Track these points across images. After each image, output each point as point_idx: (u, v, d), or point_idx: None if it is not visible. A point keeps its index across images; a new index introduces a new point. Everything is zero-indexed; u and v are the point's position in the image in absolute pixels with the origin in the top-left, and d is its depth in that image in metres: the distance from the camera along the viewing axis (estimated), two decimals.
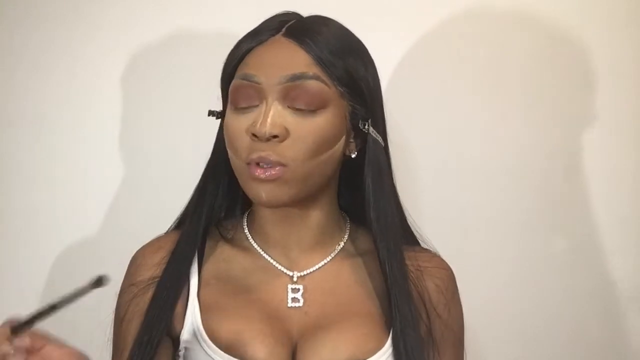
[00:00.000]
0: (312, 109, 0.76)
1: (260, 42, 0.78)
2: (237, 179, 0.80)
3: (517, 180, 1.14)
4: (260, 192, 0.76)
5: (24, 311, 0.97)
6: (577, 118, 1.14)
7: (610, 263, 1.15)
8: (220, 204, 0.85)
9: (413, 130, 1.08)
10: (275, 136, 0.74)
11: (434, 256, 0.87)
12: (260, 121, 0.74)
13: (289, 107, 0.75)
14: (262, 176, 0.75)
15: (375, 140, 0.81)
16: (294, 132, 0.75)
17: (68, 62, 1.06)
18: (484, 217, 1.14)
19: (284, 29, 0.78)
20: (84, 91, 1.06)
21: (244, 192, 0.81)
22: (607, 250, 1.15)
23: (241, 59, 0.78)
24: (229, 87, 0.79)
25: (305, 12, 0.83)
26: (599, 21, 1.12)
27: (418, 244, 0.88)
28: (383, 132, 0.83)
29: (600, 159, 1.14)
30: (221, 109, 0.83)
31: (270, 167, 0.75)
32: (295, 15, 0.82)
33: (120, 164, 1.08)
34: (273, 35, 0.78)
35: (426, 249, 0.88)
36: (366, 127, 0.80)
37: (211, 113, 0.83)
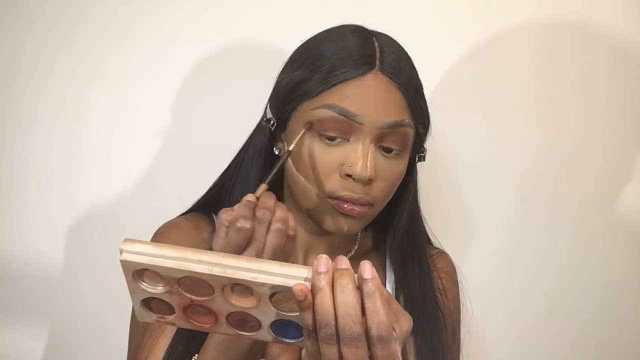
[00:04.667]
0: (399, 152, 0.78)
1: (357, 76, 0.75)
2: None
3: (519, 181, 1.15)
4: (344, 225, 0.78)
5: (29, 307, 1.06)
6: (579, 118, 1.14)
7: (611, 263, 1.16)
8: None
9: None
10: (370, 179, 0.76)
11: (443, 254, 0.93)
12: (360, 165, 0.74)
13: (379, 147, 0.77)
14: (351, 212, 0.76)
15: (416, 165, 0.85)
16: (382, 173, 0.77)
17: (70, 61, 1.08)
18: (484, 216, 1.15)
19: (377, 62, 0.76)
20: (86, 91, 1.08)
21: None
22: (608, 250, 1.15)
23: (330, 86, 0.75)
24: (299, 104, 0.78)
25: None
26: (597, 20, 1.12)
27: (430, 243, 0.93)
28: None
29: (601, 158, 1.15)
30: (272, 115, 0.82)
31: (360, 205, 0.77)
32: (370, 37, 0.79)
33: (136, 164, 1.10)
34: (369, 69, 0.76)
35: (436, 248, 0.93)
36: (418, 160, 0.84)
37: (266, 121, 0.82)
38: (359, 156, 0.75)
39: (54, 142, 1.08)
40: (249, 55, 1.08)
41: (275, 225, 0.66)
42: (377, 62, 0.76)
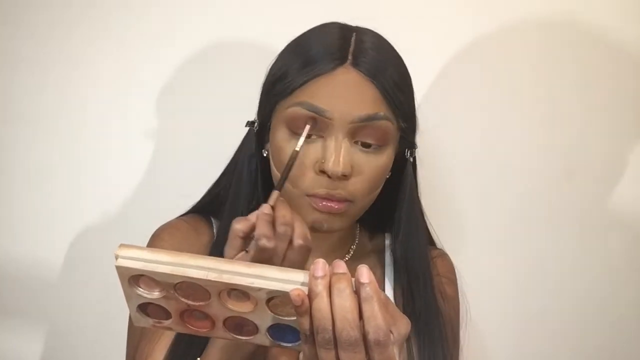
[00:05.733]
0: (378, 147, 0.76)
1: (327, 71, 0.74)
2: (264, 186, 0.82)
3: (518, 181, 1.14)
4: (323, 223, 0.77)
5: (28, 308, 1.06)
6: (578, 117, 1.13)
7: (611, 264, 1.15)
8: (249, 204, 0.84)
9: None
10: (344, 175, 0.74)
11: (444, 255, 0.92)
12: (332, 160, 0.73)
13: (355, 143, 0.75)
14: (329, 209, 0.75)
15: (411, 162, 0.83)
16: (359, 168, 0.76)
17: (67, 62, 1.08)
18: (484, 217, 1.14)
19: (349, 57, 0.75)
20: (86, 90, 1.08)
21: (265, 197, 0.82)
22: (608, 250, 1.15)
23: (303, 83, 0.75)
24: (276, 103, 0.78)
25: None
26: (598, 21, 1.12)
27: (433, 244, 0.92)
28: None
29: (601, 158, 1.14)
30: (256, 118, 0.82)
31: (337, 201, 0.75)
32: (348, 32, 0.78)
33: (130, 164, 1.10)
34: (340, 63, 0.74)
35: (437, 249, 0.93)
36: (409, 154, 0.82)
37: (249, 124, 0.83)
38: (332, 152, 0.73)
39: (53, 144, 1.08)
40: (250, 58, 1.07)
41: (298, 242, 0.66)
42: (350, 57, 0.75)
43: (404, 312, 0.80)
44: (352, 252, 0.88)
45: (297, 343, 0.59)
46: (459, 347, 0.89)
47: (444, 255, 0.92)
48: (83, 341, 1.09)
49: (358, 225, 0.90)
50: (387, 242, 0.90)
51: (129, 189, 1.09)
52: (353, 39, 0.77)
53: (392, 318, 0.55)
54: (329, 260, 0.83)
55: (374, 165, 0.77)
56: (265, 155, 0.82)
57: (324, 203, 0.75)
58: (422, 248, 0.86)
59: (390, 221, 0.87)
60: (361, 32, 0.79)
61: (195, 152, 1.08)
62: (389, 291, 0.86)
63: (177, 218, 0.88)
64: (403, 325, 0.56)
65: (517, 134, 1.13)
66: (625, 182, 1.14)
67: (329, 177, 0.74)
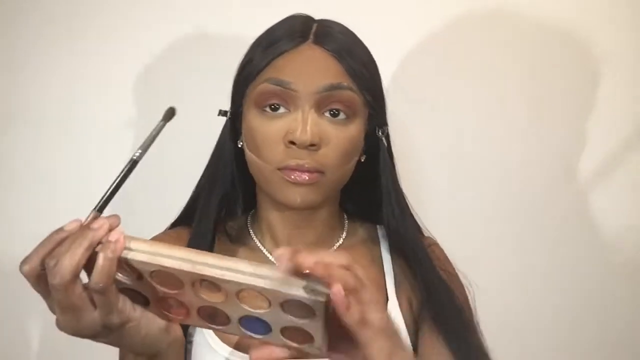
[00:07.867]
0: (346, 118, 0.78)
1: (290, 48, 0.78)
2: (243, 180, 0.85)
3: (518, 181, 1.15)
4: (296, 195, 0.77)
5: (29, 307, 1.06)
6: (578, 117, 1.14)
7: (610, 264, 1.15)
8: (225, 202, 0.87)
9: (414, 130, 1.10)
10: (313, 145, 0.76)
11: (435, 243, 0.92)
12: (299, 129, 0.75)
13: (323, 114, 0.77)
14: (300, 179, 0.76)
15: (385, 144, 0.85)
16: (329, 140, 0.77)
17: (71, 62, 1.10)
18: (483, 217, 1.14)
19: (311, 36, 0.79)
20: (88, 91, 1.10)
21: (244, 192, 0.86)
22: (608, 251, 1.14)
23: (268, 62, 0.78)
24: (246, 87, 0.80)
25: (313, 14, 0.84)
26: (599, 21, 1.13)
27: (422, 232, 0.91)
28: (387, 134, 0.86)
29: (601, 159, 1.14)
30: (229, 109, 0.85)
31: (308, 172, 0.76)
32: (310, 19, 0.82)
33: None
34: (302, 41, 0.78)
35: (429, 237, 0.92)
36: (381, 133, 0.84)
37: (222, 113, 0.85)
38: (299, 122, 0.75)
39: (53, 143, 1.10)
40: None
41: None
42: (312, 36, 0.79)
43: (415, 295, 0.83)
44: (341, 241, 0.87)
45: (267, 335, 0.60)
46: (473, 315, 0.88)
47: (436, 243, 0.92)
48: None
49: (345, 216, 0.90)
50: (380, 232, 0.90)
51: (132, 189, 1.07)
52: (316, 23, 0.81)
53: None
54: (318, 249, 0.80)
55: (342, 135, 0.78)
56: (240, 146, 0.83)
57: (295, 175, 0.76)
58: (414, 231, 0.87)
59: (377, 211, 0.87)
60: (325, 20, 0.83)
61: (198, 154, 1.09)
62: (389, 279, 0.85)
63: (161, 233, 0.89)
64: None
65: (511, 131, 1.14)
66: (625, 179, 1.15)
67: (297, 147, 0.76)
